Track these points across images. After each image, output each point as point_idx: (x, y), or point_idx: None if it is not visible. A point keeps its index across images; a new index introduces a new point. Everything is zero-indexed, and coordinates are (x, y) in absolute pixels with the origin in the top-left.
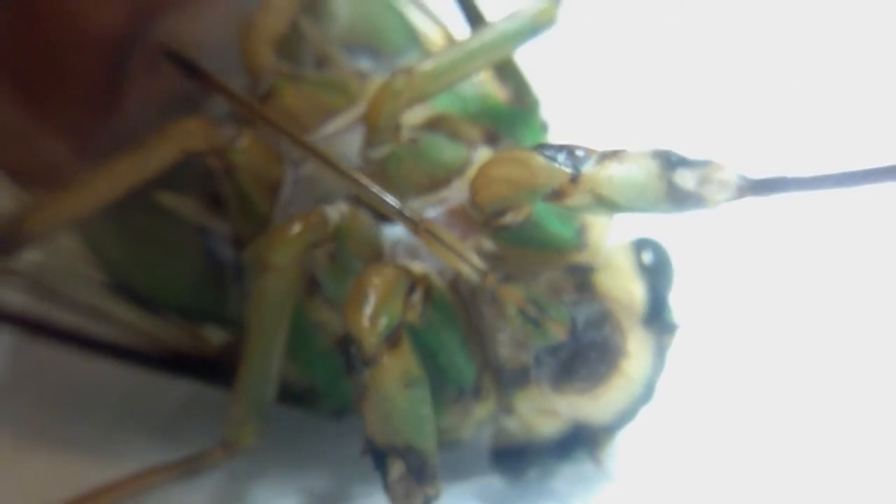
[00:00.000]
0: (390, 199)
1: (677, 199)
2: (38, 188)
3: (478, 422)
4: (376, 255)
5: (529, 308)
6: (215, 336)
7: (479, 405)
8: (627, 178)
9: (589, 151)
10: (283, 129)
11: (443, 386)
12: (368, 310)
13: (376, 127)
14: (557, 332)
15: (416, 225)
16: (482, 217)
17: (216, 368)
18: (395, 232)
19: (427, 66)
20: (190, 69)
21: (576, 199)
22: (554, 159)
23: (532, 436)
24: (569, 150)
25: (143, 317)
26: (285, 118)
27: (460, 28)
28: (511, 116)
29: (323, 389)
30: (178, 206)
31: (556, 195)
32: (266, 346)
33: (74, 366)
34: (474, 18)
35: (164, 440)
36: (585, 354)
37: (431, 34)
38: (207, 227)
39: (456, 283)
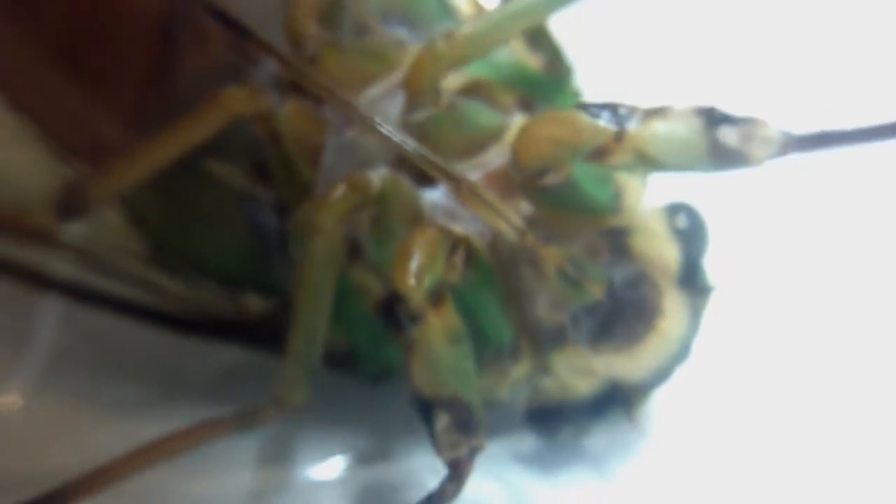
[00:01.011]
0: (434, 158)
1: (720, 156)
2: (90, 162)
3: (514, 382)
4: (417, 218)
5: (568, 267)
6: (257, 303)
7: (515, 365)
8: (671, 136)
9: (632, 109)
10: (328, 89)
11: (480, 346)
12: (414, 269)
13: (417, 91)
14: (595, 291)
15: (458, 184)
16: (522, 177)
17: (259, 334)
18: (434, 195)
19: (467, 30)
20: (237, 30)
21: (619, 157)
22: (598, 117)
23: (568, 395)
24: (612, 107)
25: (186, 286)
26: (330, 83)
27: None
28: (545, 83)
29: (363, 352)
30: (223, 173)
31: (599, 153)
32: (314, 308)
33: (123, 332)
34: None
35: (211, 402)
36: (622, 313)
37: (463, 5)
38: (251, 194)
39: (494, 244)
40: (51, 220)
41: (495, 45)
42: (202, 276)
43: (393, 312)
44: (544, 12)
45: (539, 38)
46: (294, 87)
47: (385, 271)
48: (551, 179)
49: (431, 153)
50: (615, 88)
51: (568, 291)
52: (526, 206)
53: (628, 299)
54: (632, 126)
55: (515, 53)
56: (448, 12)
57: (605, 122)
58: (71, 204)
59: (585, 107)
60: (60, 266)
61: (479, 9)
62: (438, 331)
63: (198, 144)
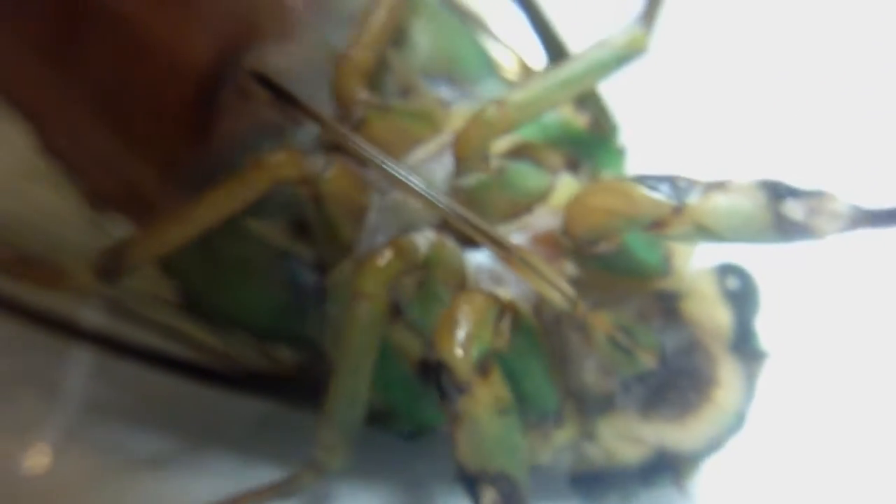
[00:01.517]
0: (483, 225)
1: (784, 230)
2: (124, 212)
3: (558, 447)
4: (462, 281)
5: (619, 335)
6: (289, 356)
7: (559, 430)
8: (733, 209)
9: (692, 182)
10: (373, 155)
11: (523, 410)
12: (461, 337)
13: (466, 156)
14: (647, 360)
15: (508, 252)
16: (573, 245)
17: (291, 386)
18: (478, 258)
19: (518, 96)
20: (280, 94)
21: (676, 229)
22: (656, 189)
23: (614, 462)
24: (671, 180)
25: (219, 337)
26: (376, 146)
27: (536, 55)
28: (591, 142)
29: (400, 411)
30: (264, 231)
31: (657, 225)
32: (355, 372)
33: (154, 383)
34: (551, 44)
35: (242, 455)
36: (675, 382)
37: (506, 62)
38: (290, 251)
39: (539, 308)
40: (90, 282)
41: (545, 110)
42: (236, 328)
43: (439, 382)
44: (596, 78)
45: (585, 97)
46: (339, 147)
47: (426, 333)
48: (603, 248)
49: (479, 217)
50: (659, 146)
51: (618, 359)
52: (572, 268)
53: (681, 368)
54: (692, 199)
55: (561, 112)
56: (492, 69)
57: (663, 194)
58: (111, 267)
59: (642, 178)
60: (91, 314)
61: (523, 65)
62: (486, 403)
63: (241, 208)
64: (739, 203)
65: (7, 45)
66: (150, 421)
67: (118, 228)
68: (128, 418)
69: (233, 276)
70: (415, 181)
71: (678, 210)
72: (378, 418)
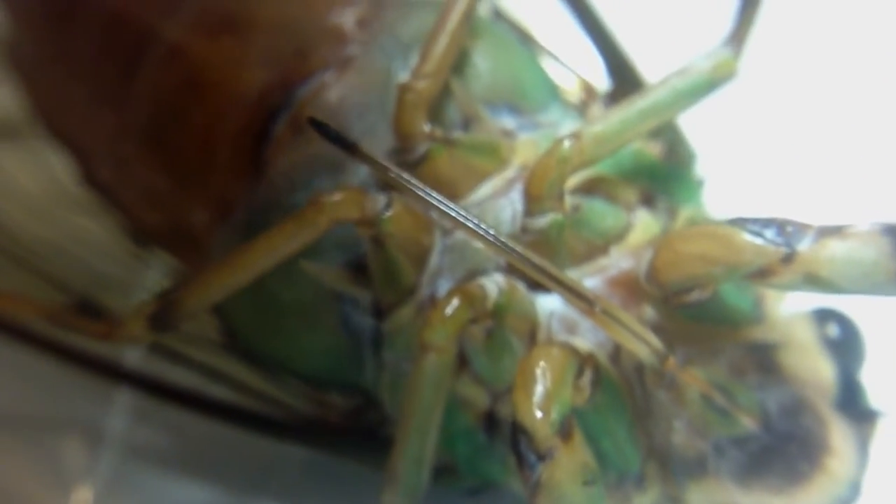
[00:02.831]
0: (560, 274)
1: None
2: (171, 253)
3: None
4: (533, 329)
5: (715, 394)
6: (340, 402)
7: (640, 494)
8: (853, 258)
9: (802, 226)
10: (435, 199)
11: (603, 472)
12: (539, 397)
13: (539, 196)
14: (748, 423)
15: (590, 304)
16: (661, 293)
17: (339, 434)
18: (548, 302)
19: (596, 129)
20: (338, 141)
21: (784, 279)
22: (760, 235)
23: None
24: (778, 224)
25: (264, 380)
26: (439, 184)
27: (599, 76)
28: (666, 174)
29: (463, 466)
30: (319, 273)
31: (761, 274)
32: (423, 431)
33: (197, 429)
34: (617, 65)
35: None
36: (782, 448)
37: (570, 87)
38: (346, 295)
39: (617, 358)
40: (143, 333)
41: (625, 144)
42: (286, 373)
43: (516, 448)
44: (680, 108)
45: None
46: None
47: (493, 385)
48: (695, 297)
49: (551, 262)
50: (739, 174)
51: (713, 419)
52: (652, 314)
53: (787, 432)
54: (803, 247)
55: (634, 142)
56: (554, 94)
57: (770, 241)
58: (165, 317)
59: (743, 221)
60: (133, 355)
61: (587, 87)
62: (570, 470)
63: (300, 250)
64: (860, 251)
65: (59, 83)
66: (193, 468)
67: (160, 263)
68: (170, 465)
69: (285, 320)
70: (482, 227)
71: (788, 258)
72: (439, 474)
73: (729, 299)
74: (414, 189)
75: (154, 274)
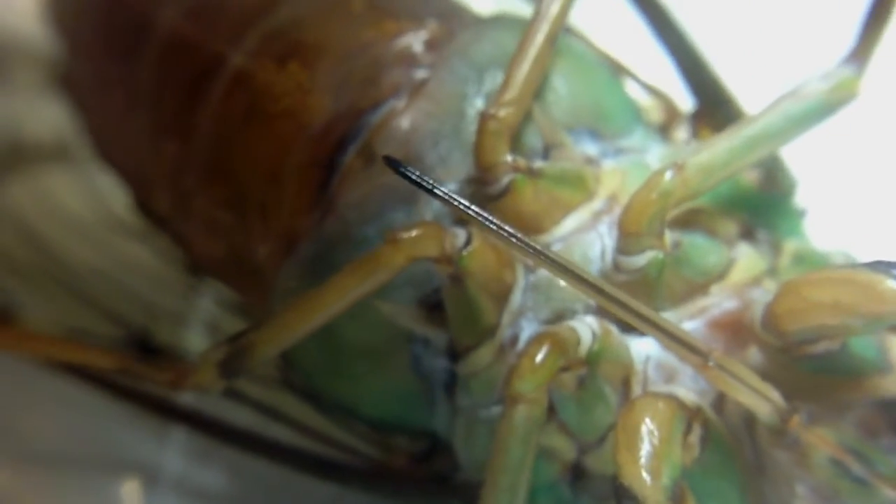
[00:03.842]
0: (667, 323)
1: None
2: (229, 285)
3: None
4: (627, 376)
5: (849, 460)
6: (406, 446)
7: None
8: None
9: None
10: (522, 240)
11: None
12: (647, 459)
13: (638, 232)
14: (891, 494)
15: (704, 359)
16: (781, 343)
17: (406, 480)
18: (644, 346)
19: (701, 159)
20: (415, 179)
21: None
22: None
23: None
24: None
25: (327, 421)
26: (521, 218)
27: (684, 98)
28: (765, 203)
29: None
30: (393, 313)
31: None
32: (513, 486)
33: (255, 471)
34: (702, 84)
35: None
36: None
37: (654, 109)
38: (419, 336)
39: (721, 409)
40: (214, 381)
41: (731, 175)
42: (351, 415)
43: None
44: (793, 134)
45: None
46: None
47: (582, 437)
48: (822, 348)
49: (643, 301)
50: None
51: (846, 488)
52: (758, 358)
53: None
54: None
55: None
56: (638, 117)
57: None
58: (236, 364)
59: (887, 266)
60: (187, 394)
61: (672, 110)
62: None
63: (376, 290)
64: None
65: (118, 110)
66: None
67: (213, 293)
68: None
69: (353, 361)
70: (578, 268)
71: None
72: None
73: (856, 350)
74: (498, 229)
75: (207, 303)
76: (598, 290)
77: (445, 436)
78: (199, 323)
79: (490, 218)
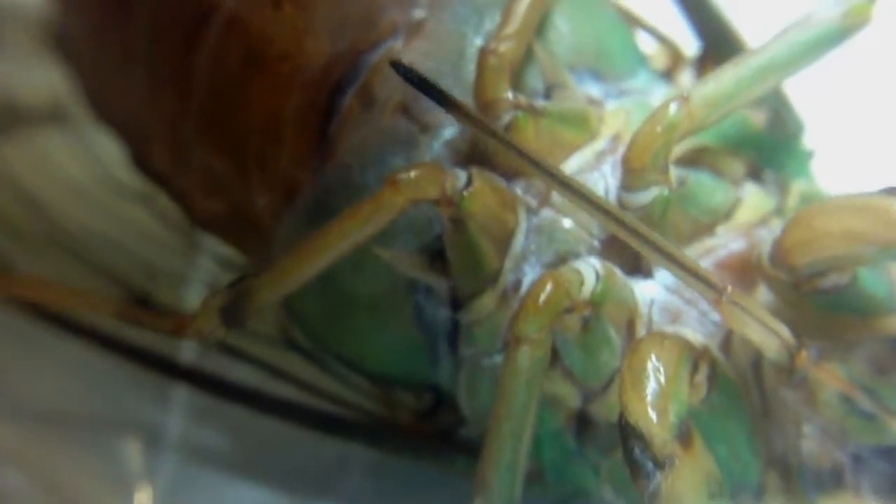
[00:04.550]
0: (685, 256)
1: None
2: (230, 241)
3: None
4: (631, 319)
5: (858, 395)
6: (410, 401)
7: None
8: None
9: None
10: (533, 158)
11: None
12: (654, 396)
13: (642, 167)
14: None
15: (719, 294)
16: (790, 278)
17: (408, 436)
18: (649, 289)
19: (707, 90)
20: (426, 87)
21: None
22: None
23: None
24: None
25: (330, 379)
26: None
27: (689, 42)
28: (773, 145)
29: (551, 473)
30: (394, 260)
31: None
32: (516, 432)
33: (260, 428)
34: (709, 27)
35: None
36: None
37: (659, 56)
38: (421, 284)
39: (730, 352)
40: (216, 328)
41: (738, 108)
42: (355, 370)
43: (630, 455)
44: (803, 63)
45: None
46: (477, 159)
47: (587, 383)
48: (832, 281)
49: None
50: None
51: (854, 424)
52: (769, 299)
53: None
54: None
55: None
56: (641, 60)
57: None
58: (237, 310)
59: None
60: (192, 352)
61: (676, 54)
62: (693, 480)
63: (372, 236)
64: None
65: (113, 66)
66: (254, 469)
67: (211, 250)
68: (231, 466)
69: (355, 314)
70: (593, 193)
71: None
72: (525, 481)
73: (865, 285)
74: (505, 143)
75: (206, 263)
76: (614, 218)
77: (449, 389)
78: (200, 283)
79: (504, 135)
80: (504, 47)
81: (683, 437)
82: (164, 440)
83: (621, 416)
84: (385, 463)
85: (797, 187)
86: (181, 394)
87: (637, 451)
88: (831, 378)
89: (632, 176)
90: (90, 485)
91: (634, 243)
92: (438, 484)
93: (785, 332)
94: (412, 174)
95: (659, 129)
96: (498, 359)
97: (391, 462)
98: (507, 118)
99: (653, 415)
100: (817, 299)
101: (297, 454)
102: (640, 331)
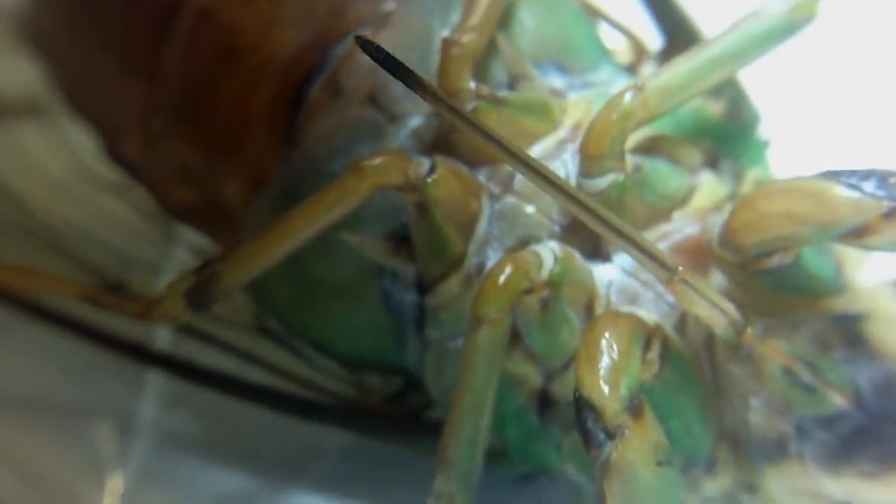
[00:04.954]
0: (640, 237)
1: None
2: (203, 230)
3: (707, 498)
4: (590, 300)
5: (799, 368)
6: (379, 384)
7: (711, 479)
8: None
9: None
10: (500, 141)
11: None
12: (606, 370)
13: (599, 154)
14: (838, 401)
15: (671, 274)
16: (738, 259)
17: (379, 419)
18: (607, 272)
19: (661, 80)
20: (391, 65)
21: (886, 237)
22: (858, 188)
23: None
24: (880, 176)
25: (302, 364)
26: (485, 146)
27: (651, 37)
28: (730, 134)
29: (514, 450)
30: (360, 245)
31: (858, 233)
32: (476, 408)
33: (232, 414)
34: (670, 22)
35: (327, 492)
36: (877, 429)
37: (622, 47)
38: (388, 269)
39: (683, 331)
40: (181, 312)
41: (691, 98)
42: (324, 354)
43: (583, 426)
44: (753, 56)
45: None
46: (442, 148)
47: (547, 362)
48: (776, 261)
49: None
50: (808, 136)
51: (796, 397)
52: (722, 284)
53: (883, 411)
54: None
55: (694, 100)
56: (605, 54)
57: (869, 194)
58: (203, 294)
59: (836, 175)
60: (164, 338)
61: (639, 49)
62: (642, 450)
63: (337, 222)
64: None
65: (84, 55)
66: (228, 453)
67: (186, 240)
68: (205, 451)
69: (323, 298)
70: (554, 174)
71: (892, 213)
72: (488, 458)
73: (810, 266)
74: (474, 126)
75: (181, 254)
76: (572, 197)
77: (417, 372)
78: (175, 273)
79: (468, 115)
80: (467, 38)
81: (634, 409)
82: (137, 425)
83: (576, 389)
84: (357, 446)
85: (752, 175)
86: (154, 379)
87: (590, 422)
88: (775, 353)
89: (589, 162)
90: (62, 469)
91: (592, 223)
92: (409, 465)
93: (732, 309)
94: (376, 161)
95: (614, 116)
96: (463, 341)
97: (363, 445)
98: (469, 107)
99: (605, 388)
100: (764, 279)
101: (269, 438)
102: (599, 312)
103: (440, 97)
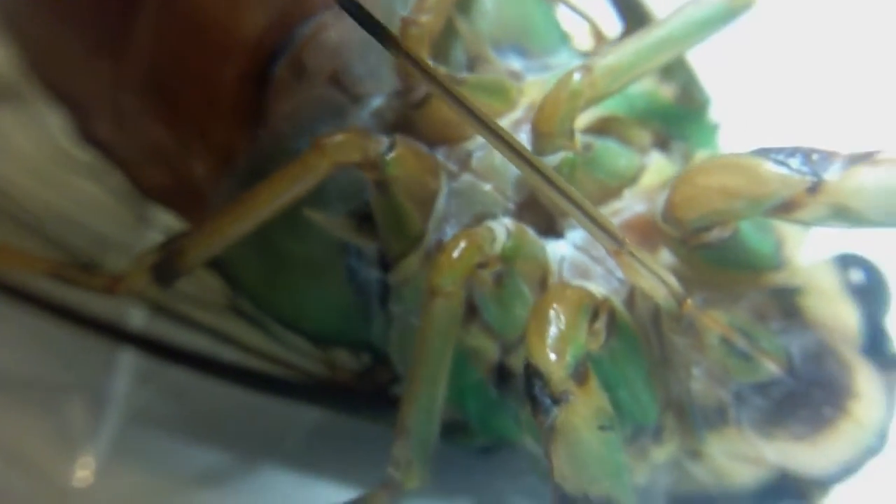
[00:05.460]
0: (593, 208)
1: None
2: (173, 209)
3: (655, 465)
4: (544, 275)
5: (736, 338)
6: (347, 361)
7: (658, 446)
8: (884, 188)
9: (829, 154)
10: (466, 105)
11: (619, 424)
12: (553, 339)
13: (549, 132)
14: (772, 368)
15: (620, 245)
16: (679, 233)
17: (349, 395)
18: (559, 248)
19: (609, 61)
20: (363, 19)
21: (811, 211)
22: (785, 164)
23: (724, 484)
24: (804, 153)
25: (271, 341)
26: (443, 126)
27: (611, 25)
28: (680, 117)
29: (474, 423)
30: (325, 223)
31: (786, 207)
32: (432, 380)
33: (204, 392)
34: (628, 8)
35: (298, 468)
36: (807, 394)
37: (578, 31)
38: (352, 246)
39: (632, 305)
40: (146, 286)
41: (638, 78)
42: (292, 331)
43: (530, 391)
44: (695, 39)
45: (672, 66)
46: (402, 128)
47: (504, 335)
48: (715, 235)
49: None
50: (757, 120)
51: (734, 365)
52: (669, 259)
53: (812, 377)
54: (831, 176)
55: (646, 83)
56: (563, 39)
57: (795, 170)
58: (168, 269)
59: (766, 151)
60: (136, 317)
61: (597, 34)
62: (586, 414)
63: (299, 198)
64: (892, 179)
65: (53, 35)
66: (200, 432)
67: (161, 222)
68: (177, 429)
69: (291, 276)
70: (517, 141)
71: (815, 188)
72: (450, 431)
73: (750, 242)
74: (435, 81)
75: (156, 235)
76: (528, 162)
77: (383, 347)
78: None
79: (431, 68)
80: (424, 18)
81: (579, 376)
82: (109, 402)
83: (525, 358)
84: (327, 421)
85: (701, 156)
86: (126, 357)
87: (538, 388)
88: (713, 322)
89: (541, 140)
90: (34, 444)
91: (547, 190)
92: (379, 439)
93: (673, 281)
94: (337, 138)
95: (563, 95)
96: None
97: (333, 420)
98: (423, 89)
99: (552, 355)
100: (705, 254)
101: (240, 415)
102: (552, 286)
103: (405, 51)
